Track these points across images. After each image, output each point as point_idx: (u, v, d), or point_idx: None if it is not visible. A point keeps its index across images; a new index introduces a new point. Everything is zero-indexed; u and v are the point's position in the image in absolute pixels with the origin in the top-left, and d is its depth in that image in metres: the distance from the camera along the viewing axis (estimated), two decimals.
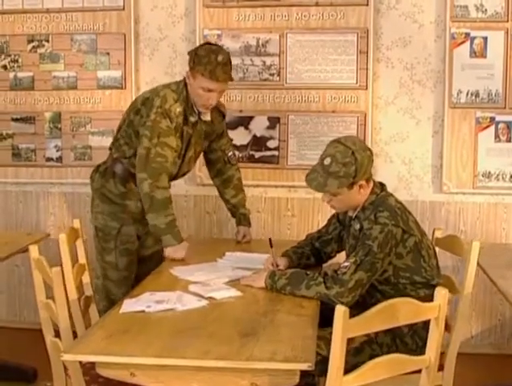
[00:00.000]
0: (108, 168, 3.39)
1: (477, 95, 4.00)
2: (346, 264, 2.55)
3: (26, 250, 3.52)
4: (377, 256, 2.53)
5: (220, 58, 3.14)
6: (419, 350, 2.70)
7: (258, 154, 4.20)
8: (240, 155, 4.19)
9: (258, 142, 4.20)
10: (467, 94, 4.01)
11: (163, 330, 2.20)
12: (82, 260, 3.21)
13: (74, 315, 2.89)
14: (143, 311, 2.37)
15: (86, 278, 3.21)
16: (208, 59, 3.12)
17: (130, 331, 2.18)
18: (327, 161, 2.66)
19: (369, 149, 2.73)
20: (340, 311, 1.83)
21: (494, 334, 4.18)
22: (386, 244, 2.55)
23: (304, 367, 1.92)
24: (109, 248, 3.36)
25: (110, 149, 3.45)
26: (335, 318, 1.85)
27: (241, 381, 1.99)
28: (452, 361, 2.77)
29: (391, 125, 4.14)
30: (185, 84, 3.24)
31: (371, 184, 2.74)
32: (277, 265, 2.85)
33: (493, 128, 4.02)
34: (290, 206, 4.23)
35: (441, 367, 2.77)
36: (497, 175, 4.04)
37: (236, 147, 4.18)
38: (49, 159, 4.37)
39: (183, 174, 3.50)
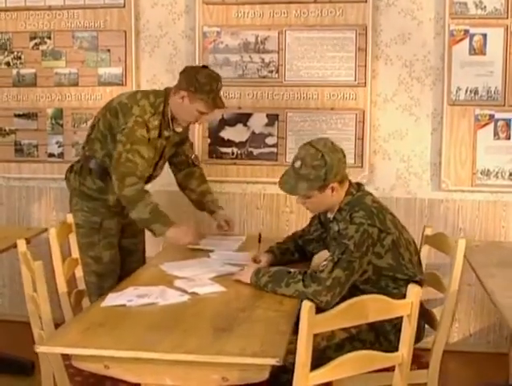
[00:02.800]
0: (83, 166, 3.43)
1: (476, 92, 3.98)
2: (325, 263, 2.56)
3: None
4: (353, 254, 2.53)
5: (219, 86, 3.25)
6: None
7: (256, 151, 4.21)
8: (239, 152, 4.22)
9: (257, 139, 4.21)
10: (466, 91, 3.99)
11: (140, 324, 2.23)
12: (75, 254, 3.25)
13: (64, 309, 2.94)
14: (124, 305, 2.40)
15: (79, 272, 3.26)
16: (210, 87, 3.20)
17: (107, 325, 2.22)
18: (297, 164, 2.68)
19: (342, 151, 2.73)
20: (306, 307, 1.85)
21: (493, 332, 4.16)
22: (363, 243, 2.55)
23: (272, 362, 1.94)
24: (92, 243, 3.39)
25: (83, 147, 3.49)
26: (301, 314, 1.86)
27: (212, 375, 2.01)
28: (437, 358, 2.75)
29: (390, 122, 4.13)
30: (164, 99, 3.28)
31: (346, 185, 2.75)
32: (259, 261, 2.87)
33: (492, 125, 3.99)
34: (288, 202, 4.24)
35: (426, 365, 2.77)
36: (496, 173, 4.01)
37: (234, 144, 4.22)
38: (51, 155, 4.42)
39: (153, 179, 3.54)
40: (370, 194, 2.81)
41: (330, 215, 2.84)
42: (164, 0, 4.27)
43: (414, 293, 2.07)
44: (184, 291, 2.57)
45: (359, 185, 2.83)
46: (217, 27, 4.17)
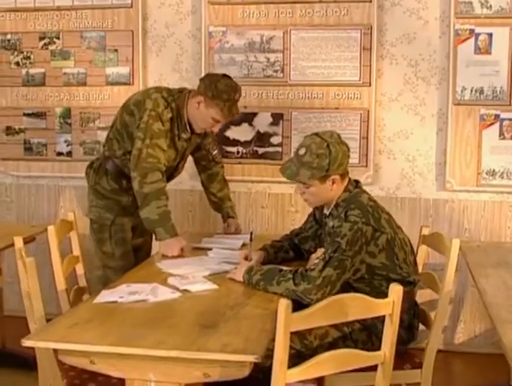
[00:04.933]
0: (101, 165, 3.50)
1: (482, 92, 3.96)
2: (316, 261, 2.56)
3: (26, 242, 3.65)
4: (345, 253, 2.53)
5: (237, 96, 3.26)
6: (396, 347, 2.71)
7: (261, 150, 4.24)
8: (244, 151, 4.24)
9: (262, 138, 4.23)
10: (471, 91, 3.97)
11: (127, 321, 2.25)
12: (76, 252, 3.30)
13: (62, 305, 2.98)
14: (116, 302, 2.43)
15: (80, 270, 3.30)
16: (228, 96, 3.22)
17: (95, 320, 2.24)
18: (301, 151, 2.69)
19: (346, 145, 2.74)
20: (283, 305, 1.86)
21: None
22: (356, 241, 2.55)
23: (251, 359, 1.94)
24: (104, 239, 3.47)
25: (104, 146, 3.56)
26: (278, 312, 1.88)
27: (194, 371, 2.03)
28: (430, 358, 2.77)
29: (395, 121, 4.13)
30: (177, 98, 3.32)
31: (346, 181, 2.75)
32: (250, 259, 2.88)
33: (497, 125, 3.97)
34: (293, 201, 4.25)
35: (420, 365, 2.77)
36: (502, 173, 3.99)
37: (240, 143, 4.25)
38: (59, 154, 4.49)
39: (174, 178, 3.61)
40: (366, 192, 2.81)
41: (326, 211, 2.84)
42: (171, 0, 4.31)
43: (395, 292, 2.08)
44: (176, 288, 2.59)
45: (357, 182, 2.83)
46: (223, 27, 4.20)
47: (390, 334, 2.10)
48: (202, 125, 3.33)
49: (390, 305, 2.08)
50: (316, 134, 2.75)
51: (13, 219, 4.60)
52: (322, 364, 1.98)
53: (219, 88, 3.22)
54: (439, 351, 4.07)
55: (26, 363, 3.73)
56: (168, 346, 2.03)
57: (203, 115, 3.28)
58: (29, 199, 4.59)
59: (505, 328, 2.14)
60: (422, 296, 3.31)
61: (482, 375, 3.84)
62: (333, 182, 2.70)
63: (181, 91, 3.40)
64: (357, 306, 2.03)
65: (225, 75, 3.37)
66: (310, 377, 1.98)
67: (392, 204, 4.11)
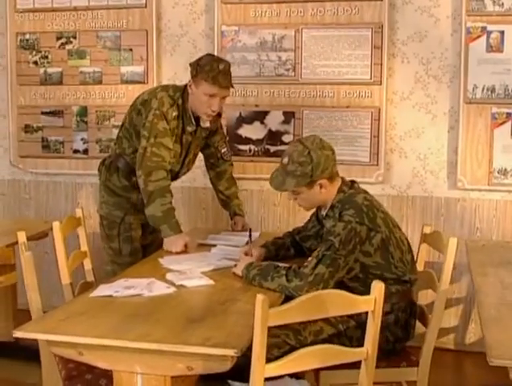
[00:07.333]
0: (112, 163, 3.57)
1: (493, 90, 3.93)
2: (310, 259, 2.58)
3: (38, 237, 3.75)
4: (338, 252, 2.54)
5: (221, 66, 3.28)
6: (391, 345, 2.73)
7: (273, 148, 4.27)
8: (256, 149, 4.28)
9: (274, 137, 4.26)
10: (483, 89, 3.94)
11: (118, 314, 2.30)
12: (84, 247, 3.37)
13: (66, 299, 3.05)
14: (111, 296, 2.49)
15: (88, 265, 3.37)
16: (211, 67, 3.26)
17: (88, 313, 2.30)
18: (285, 160, 2.73)
19: (331, 149, 2.74)
20: (259, 300, 1.88)
21: None
22: (349, 240, 2.56)
23: (231, 353, 1.98)
24: (113, 236, 3.54)
25: (114, 144, 3.63)
26: (255, 307, 1.90)
27: (178, 364, 2.07)
28: (427, 356, 2.76)
29: (406, 120, 4.12)
30: (182, 93, 3.37)
31: (337, 182, 2.77)
32: (251, 255, 2.92)
33: (509, 124, 3.94)
34: None
35: (416, 363, 2.77)
36: None
37: (252, 141, 4.28)
38: (76, 151, 4.59)
39: (183, 174, 3.65)
40: (364, 191, 2.82)
41: (323, 212, 2.86)
42: (185, 0, 4.36)
43: (377, 289, 2.09)
44: (172, 284, 2.64)
45: (352, 182, 2.84)
46: (235, 26, 4.24)
47: (372, 331, 2.11)
48: (201, 107, 3.33)
49: (371, 302, 2.09)
50: (299, 141, 2.78)
51: (31, 215, 4.70)
52: (301, 359, 2.00)
53: (201, 64, 3.28)
54: (450, 351, 4.10)
55: (38, 356, 3.83)
56: (153, 339, 2.07)
57: (196, 96, 3.30)
58: (47, 196, 4.69)
59: (490, 326, 2.17)
60: (430, 297, 3.32)
61: (493, 375, 3.78)
62: (321, 187, 2.73)
63: (185, 85, 3.44)
64: (337, 303, 2.04)
65: (208, 54, 3.46)
66: (288, 372, 2.01)
67: (403, 203, 4.11)
